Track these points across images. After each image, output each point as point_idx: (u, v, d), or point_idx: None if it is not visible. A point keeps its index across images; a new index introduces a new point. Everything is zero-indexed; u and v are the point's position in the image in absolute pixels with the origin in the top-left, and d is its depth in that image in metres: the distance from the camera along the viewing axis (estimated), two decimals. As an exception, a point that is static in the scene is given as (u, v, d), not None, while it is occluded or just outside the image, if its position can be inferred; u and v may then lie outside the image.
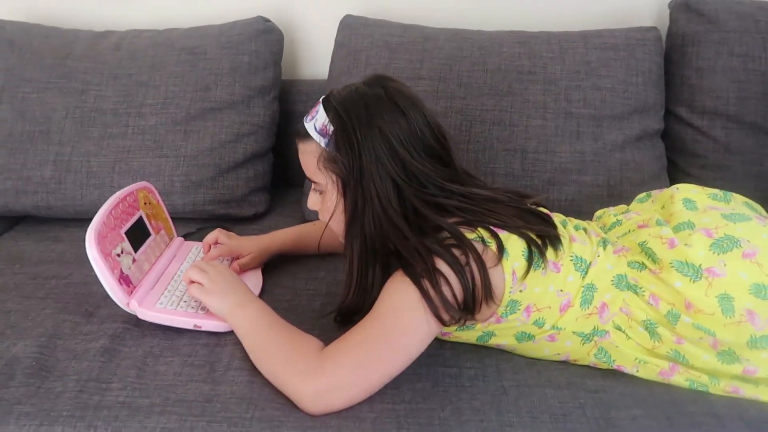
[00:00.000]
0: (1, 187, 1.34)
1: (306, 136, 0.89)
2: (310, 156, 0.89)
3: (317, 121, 0.88)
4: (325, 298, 1.05)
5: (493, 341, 0.90)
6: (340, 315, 0.93)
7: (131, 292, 0.95)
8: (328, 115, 0.87)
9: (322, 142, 0.87)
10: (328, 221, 0.91)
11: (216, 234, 1.12)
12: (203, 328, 0.94)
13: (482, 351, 0.92)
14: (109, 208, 0.97)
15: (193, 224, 1.32)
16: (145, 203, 1.07)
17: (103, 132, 1.37)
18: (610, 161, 1.30)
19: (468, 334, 0.90)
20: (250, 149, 1.38)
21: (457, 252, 0.82)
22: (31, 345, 0.92)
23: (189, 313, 0.95)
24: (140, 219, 1.04)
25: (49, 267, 1.15)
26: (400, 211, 0.84)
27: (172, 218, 1.16)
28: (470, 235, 0.84)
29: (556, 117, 1.31)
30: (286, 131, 1.49)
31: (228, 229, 1.24)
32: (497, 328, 0.87)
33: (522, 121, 1.31)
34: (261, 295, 1.05)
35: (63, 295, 1.06)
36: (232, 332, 0.92)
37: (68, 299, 1.04)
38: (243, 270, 1.09)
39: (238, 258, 1.11)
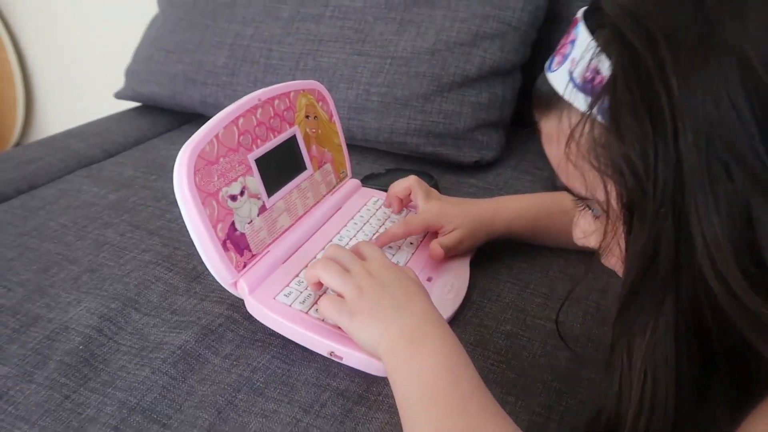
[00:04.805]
0: (171, 71, 1.05)
1: (551, 100, 0.38)
2: (561, 141, 0.37)
3: (575, 61, 0.36)
4: (583, 350, 0.54)
5: None
6: None
7: (245, 265, 0.55)
8: (597, 41, 0.35)
9: (584, 103, 0.35)
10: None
11: (409, 184, 0.67)
12: (345, 362, 0.51)
13: None
14: (235, 112, 0.56)
15: (383, 162, 0.88)
16: (307, 116, 0.66)
17: (295, 12, 0.99)
18: None
19: None
20: (491, 60, 0.88)
21: None
22: (94, 313, 0.58)
23: (327, 327, 0.52)
24: (292, 141, 0.63)
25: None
26: None
27: (353, 149, 0.74)
28: None
29: None
30: (548, 44, 0.95)
31: (431, 180, 0.79)
32: None
33: None
34: (458, 315, 0.58)
35: (179, 235, 0.71)
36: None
37: (180, 243, 0.69)
38: (444, 256, 0.62)
39: (436, 234, 0.65)
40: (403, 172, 0.73)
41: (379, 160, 0.89)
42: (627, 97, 0.33)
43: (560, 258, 0.65)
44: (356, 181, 0.73)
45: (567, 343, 0.49)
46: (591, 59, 0.35)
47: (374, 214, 0.68)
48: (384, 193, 0.70)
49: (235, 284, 0.55)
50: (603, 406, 0.41)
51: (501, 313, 0.58)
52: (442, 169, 0.86)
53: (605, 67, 0.34)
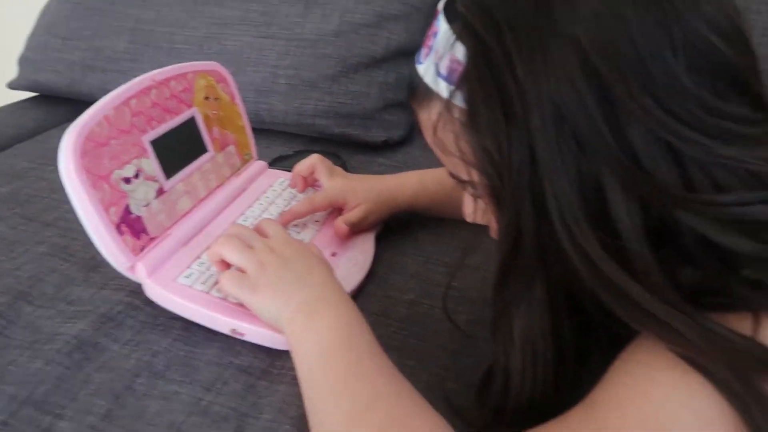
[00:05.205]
0: (68, 58, 1.00)
1: (422, 91, 0.40)
2: (431, 131, 0.40)
3: (439, 53, 0.37)
4: (480, 313, 0.57)
5: None
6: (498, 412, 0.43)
7: (142, 248, 0.54)
8: (454, 33, 0.36)
9: (446, 91, 0.37)
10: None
11: (313, 162, 0.67)
12: (246, 338, 0.51)
13: None
14: (126, 93, 0.55)
15: (292, 145, 0.88)
16: (207, 97, 0.65)
17: (198, -6, 0.96)
18: None
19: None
20: (396, 41, 0.89)
21: None
22: (-19, 307, 0.55)
23: (228, 306, 0.52)
24: (191, 122, 0.62)
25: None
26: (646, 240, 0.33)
27: (262, 132, 0.73)
28: None
29: None
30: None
31: (339, 160, 0.79)
32: None
33: None
34: (363, 288, 0.59)
35: (76, 225, 0.68)
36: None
37: (79, 233, 0.66)
38: (349, 232, 0.63)
39: (341, 210, 0.65)
40: (311, 154, 0.73)
41: (288, 143, 0.88)
42: (479, 87, 0.34)
43: (463, 229, 0.67)
44: (262, 163, 0.73)
45: (453, 321, 0.51)
46: (451, 50, 0.36)
47: (280, 194, 0.68)
48: (288, 174, 0.70)
49: (132, 268, 0.53)
50: (492, 364, 0.43)
51: (405, 284, 0.60)
52: (351, 150, 0.86)
53: (462, 57, 0.35)
